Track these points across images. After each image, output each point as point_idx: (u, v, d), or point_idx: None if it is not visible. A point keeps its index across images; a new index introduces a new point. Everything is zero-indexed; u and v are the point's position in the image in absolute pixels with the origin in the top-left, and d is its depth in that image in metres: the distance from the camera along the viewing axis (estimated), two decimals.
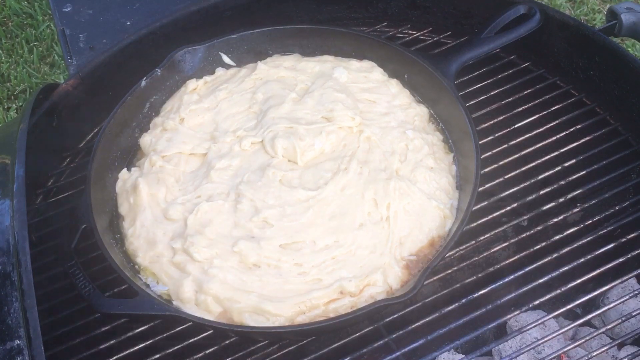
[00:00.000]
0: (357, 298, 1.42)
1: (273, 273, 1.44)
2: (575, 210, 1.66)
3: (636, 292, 1.53)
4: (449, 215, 1.54)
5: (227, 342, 1.51)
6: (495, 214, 1.63)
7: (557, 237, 1.59)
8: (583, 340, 1.48)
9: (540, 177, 1.68)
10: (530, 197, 1.66)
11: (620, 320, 1.49)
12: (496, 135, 1.74)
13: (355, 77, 1.76)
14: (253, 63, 1.82)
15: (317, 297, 1.41)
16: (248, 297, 1.41)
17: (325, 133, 1.63)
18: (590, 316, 1.51)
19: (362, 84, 1.76)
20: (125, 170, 1.65)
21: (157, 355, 1.49)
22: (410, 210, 1.53)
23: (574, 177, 1.68)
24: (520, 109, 1.80)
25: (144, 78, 1.72)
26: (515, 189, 1.67)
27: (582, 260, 1.54)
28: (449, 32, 1.98)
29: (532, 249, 1.58)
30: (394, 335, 1.48)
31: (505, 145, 1.73)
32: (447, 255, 1.44)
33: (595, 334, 1.48)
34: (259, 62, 1.80)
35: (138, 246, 1.52)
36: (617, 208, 1.65)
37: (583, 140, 1.74)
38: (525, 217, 1.64)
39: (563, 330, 1.48)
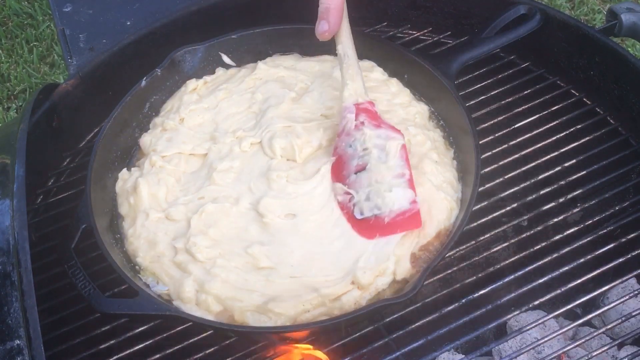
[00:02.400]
0: (363, 291, 1.41)
1: (281, 274, 1.44)
2: (575, 210, 1.66)
3: (636, 292, 1.53)
4: (455, 207, 1.53)
5: (227, 342, 1.51)
6: (495, 214, 1.63)
7: (557, 237, 1.59)
8: (583, 340, 1.48)
9: (540, 177, 1.68)
10: (530, 197, 1.66)
11: (620, 320, 1.49)
12: (496, 135, 1.74)
13: None
14: (253, 63, 1.82)
15: (325, 295, 1.39)
16: (251, 297, 1.40)
17: (322, 129, 1.63)
18: (590, 316, 1.51)
19: None
20: (125, 170, 1.65)
21: (157, 355, 1.49)
22: (421, 200, 1.49)
23: (574, 177, 1.68)
24: (520, 108, 1.80)
25: (144, 78, 1.72)
26: (515, 189, 1.67)
27: (582, 260, 1.54)
28: (449, 32, 1.98)
29: (532, 249, 1.58)
30: (394, 335, 1.48)
31: (505, 145, 1.73)
32: (447, 255, 1.43)
33: (595, 334, 1.48)
34: (259, 62, 1.80)
35: (138, 246, 1.52)
36: (617, 208, 1.65)
37: (583, 140, 1.74)
38: (525, 217, 1.64)
39: (563, 330, 1.48)
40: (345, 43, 1.60)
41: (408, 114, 1.69)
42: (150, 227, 1.53)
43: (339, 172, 1.53)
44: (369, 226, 1.45)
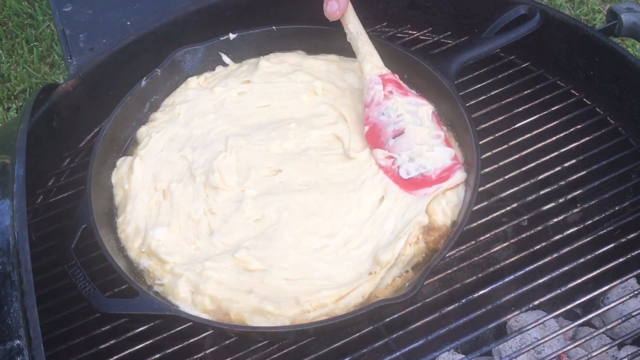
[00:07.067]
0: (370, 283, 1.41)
1: (275, 275, 1.43)
2: (575, 210, 1.66)
3: (636, 292, 1.53)
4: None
5: (227, 342, 1.51)
6: (495, 214, 1.63)
7: (557, 237, 1.59)
8: (583, 340, 1.48)
9: (540, 177, 1.68)
10: (530, 197, 1.66)
11: (620, 320, 1.49)
12: (496, 135, 1.74)
13: None
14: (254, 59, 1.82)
15: (326, 297, 1.39)
16: (247, 298, 1.39)
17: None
18: (590, 316, 1.51)
19: None
20: (122, 158, 1.65)
21: (157, 355, 1.49)
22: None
23: (574, 177, 1.68)
24: (520, 109, 1.80)
25: (144, 78, 1.72)
26: (515, 189, 1.66)
27: (582, 260, 1.54)
28: (449, 32, 1.98)
29: (532, 249, 1.58)
30: (394, 335, 1.48)
31: (505, 146, 1.73)
32: (447, 255, 1.43)
33: (595, 334, 1.48)
34: (261, 59, 1.80)
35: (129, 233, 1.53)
36: (617, 208, 1.65)
37: (583, 141, 1.73)
38: (525, 217, 1.64)
39: (563, 330, 1.48)
40: (355, 22, 1.70)
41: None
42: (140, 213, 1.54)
43: (376, 139, 1.62)
44: (417, 183, 1.55)
